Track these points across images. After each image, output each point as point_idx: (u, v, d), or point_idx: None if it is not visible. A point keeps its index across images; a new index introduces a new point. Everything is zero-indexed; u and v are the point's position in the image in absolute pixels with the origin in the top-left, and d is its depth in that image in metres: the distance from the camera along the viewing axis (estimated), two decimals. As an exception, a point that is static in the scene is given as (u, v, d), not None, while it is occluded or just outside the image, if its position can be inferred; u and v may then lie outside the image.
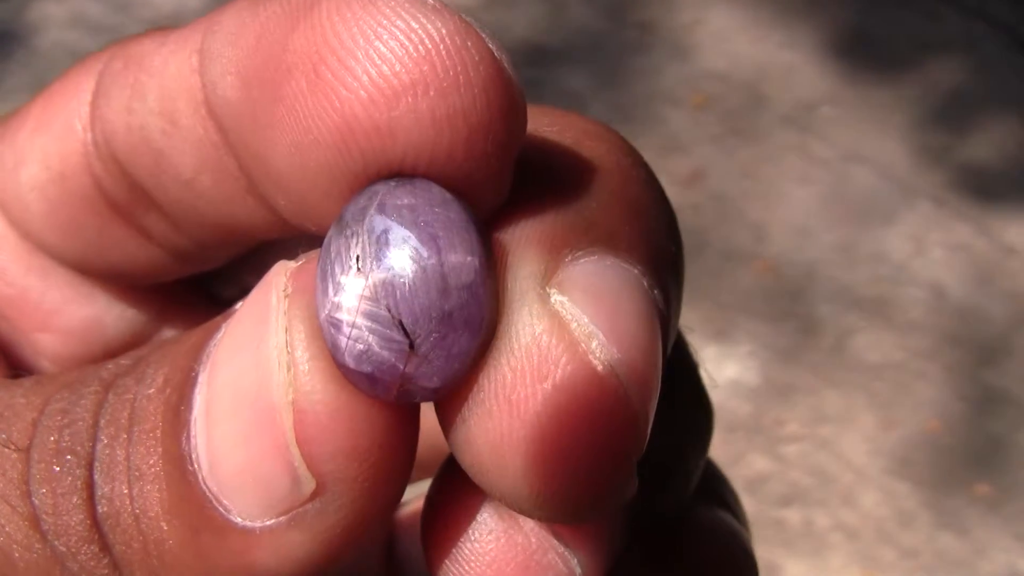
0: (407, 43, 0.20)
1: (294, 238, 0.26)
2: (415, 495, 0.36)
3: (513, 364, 0.21)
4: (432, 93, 0.20)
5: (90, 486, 0.22)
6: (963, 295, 1.56)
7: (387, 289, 0.20)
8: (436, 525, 0.25)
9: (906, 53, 1.83)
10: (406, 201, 0.21)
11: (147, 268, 0.30)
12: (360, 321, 0.20)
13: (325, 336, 0.21)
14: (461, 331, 0.21)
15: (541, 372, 0.21)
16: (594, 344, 0.21)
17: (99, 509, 0.22)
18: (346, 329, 0.21)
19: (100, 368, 0.24)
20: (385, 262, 0.21)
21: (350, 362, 0.21)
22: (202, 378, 0.22)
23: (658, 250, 0.23)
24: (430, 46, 0.20)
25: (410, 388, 0.21)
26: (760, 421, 1.45)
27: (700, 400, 0.29)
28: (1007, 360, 1.50)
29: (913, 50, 1.84)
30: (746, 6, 1.90)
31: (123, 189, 0.28)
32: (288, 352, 0.21)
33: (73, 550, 0.22)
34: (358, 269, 0.21)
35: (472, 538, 0.24)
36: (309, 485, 0.21)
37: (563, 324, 0.21)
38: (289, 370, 0.21)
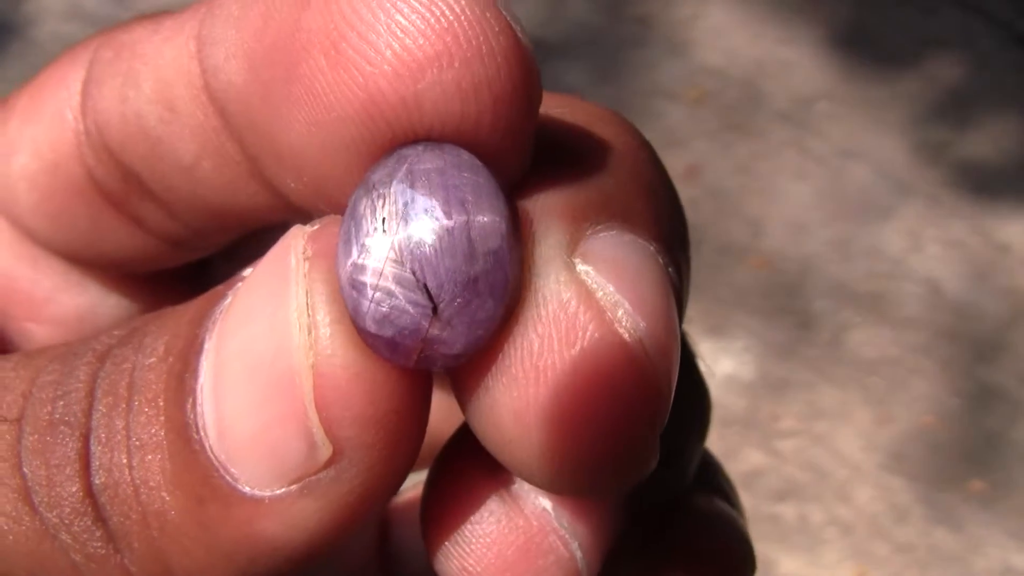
0: (428, 15, 0.20)
1: (293, 223, 0.26)
2: (410, 484, 0.37)
3: (540, 331, 0.21)
4: (457, 64, 0.20)
5: (85, 457, 0.22)
6: (959, 291, 1.56)
7: (413, 252, 0.20)
8: (436, 508, 0.25)
9: (904, 49, 1.83)
10: (435, 165, 0.21)
11: (140, 256, 0.30)
12: (383, 284, 0.20)
13: (346, 299, 0.21)
14: (485, 297, 0.20)
15: (569, 338, 0.21)
16: (620, 313, 0.21)
17: (95, 480, 0.22)
18: (369, 292, 0.20)
19: (91, 340, 0.24)
20: (412, 224, 0.20)
21: (371, 325, 0.20)
22: (208, 345, 0.22)
23: (670, 229, 0.24)
24: (451, 17, 0.20)
25: (430, 354, 0.21)
26: (755, 416, 1.45)
27: (698, 387, 0.29)
28: (1002, 356, 1.50)
29: (911, 46, 1.84)
30: (744, 1, 1.90)
31: (116, 178, 0.28)
32: (309, 315, 0.21)
33: (66, 522, 0.22)
34: (384, 231, 0.20)
35: (473, 520, 0.24)
36: (326, 452, 0.21)
37: (589, 292, 0.21)
38: (309, 333, 0.20)
